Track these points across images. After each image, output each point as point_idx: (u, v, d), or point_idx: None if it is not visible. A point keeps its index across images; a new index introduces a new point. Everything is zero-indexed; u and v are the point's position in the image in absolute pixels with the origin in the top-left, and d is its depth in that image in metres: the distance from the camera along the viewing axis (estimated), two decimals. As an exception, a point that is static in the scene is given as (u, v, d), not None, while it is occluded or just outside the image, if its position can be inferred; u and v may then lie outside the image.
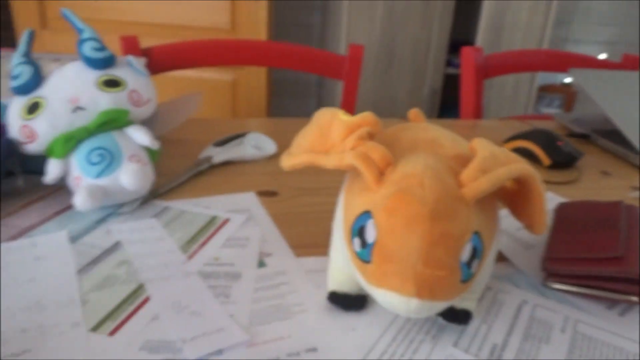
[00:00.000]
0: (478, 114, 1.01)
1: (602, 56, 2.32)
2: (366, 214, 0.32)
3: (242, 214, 0.50)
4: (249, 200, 0.53)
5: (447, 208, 0.30)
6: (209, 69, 1.57)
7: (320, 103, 2.11)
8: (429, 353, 0.33)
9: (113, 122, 0.49)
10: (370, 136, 0.36)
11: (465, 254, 0.30)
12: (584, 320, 0.37)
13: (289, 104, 2.17)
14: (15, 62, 0.49)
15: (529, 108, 1.95)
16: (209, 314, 0.35)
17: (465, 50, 1.01)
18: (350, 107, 0.95)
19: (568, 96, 2.18)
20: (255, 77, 1.61)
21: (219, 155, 0.62)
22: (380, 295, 0.31)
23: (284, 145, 0.60)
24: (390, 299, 0.30)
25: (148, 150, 0.51)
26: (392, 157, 0.33)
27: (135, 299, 0.36)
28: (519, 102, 1.95)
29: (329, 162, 0.36)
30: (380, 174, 0.33)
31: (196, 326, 0.34)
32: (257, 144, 0.66)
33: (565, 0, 2.19)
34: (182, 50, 0.90)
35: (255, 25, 1.56)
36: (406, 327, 0.35)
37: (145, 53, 0.86)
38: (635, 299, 0.38)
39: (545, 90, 2.21)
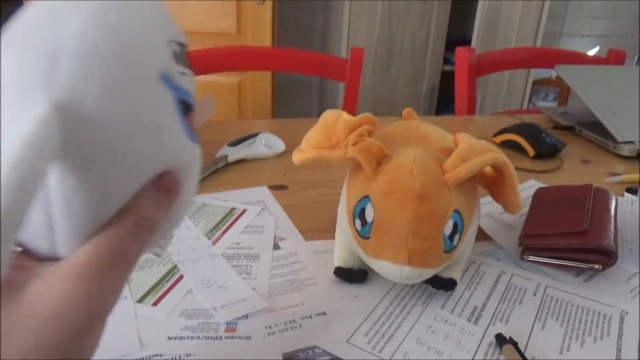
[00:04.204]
0: (471, 109, 1.08)
1: (595, 49, 2.37)
2: (365, 198, 0.38)
3: (256, 205, 0.56)
4: (262, 193, 0.60)
5: (432, 190, 0.36)
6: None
7: (322, 103, 2.18)
8: (420, 314, 0.40)
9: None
10: (369, 133, 0.43)
11: (448, 229, 0.37)
12: (554, 285, 0.44)
13: (291, 104, 2.23)
14: None
15: (524, 101, 2.01)
16: (234, 287, 0.42)
17: (459, 51, 1.07)
18: (351, 107, 1.01)
19: (563, 89, 2.24)
20: (260, 80, 1.67)
21: (234, 154, 0.69)
22: (378, 265, 0.37)
23: (291, 144, 0.66)
24: (387, 267, 0.37)
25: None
26: (387, 150, 0.40)
27: (171, 277, 0.43)
28: (514, 95, 2.01)
29: (335, 155, 0.43)
30: (377, 165, 0.39)
31: (224, 297, 0.41)
32: (267, 143, 0.73)
33: (559, -5, 2.25)
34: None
35: (261, 28, 1.62)
36: (401, 295, 0.42)
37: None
38: (598, 266, 0.44)
39: (541, 84, 2.26)
